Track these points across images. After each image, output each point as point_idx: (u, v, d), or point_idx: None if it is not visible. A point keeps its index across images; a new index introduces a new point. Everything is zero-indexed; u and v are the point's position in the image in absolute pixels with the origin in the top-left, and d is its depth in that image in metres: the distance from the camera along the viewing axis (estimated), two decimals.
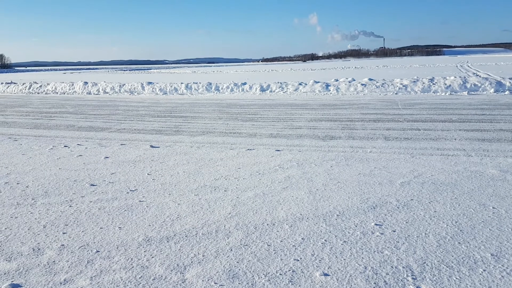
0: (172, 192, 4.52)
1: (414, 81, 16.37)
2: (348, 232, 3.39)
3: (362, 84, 16.94)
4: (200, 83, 19.78)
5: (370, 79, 17.69)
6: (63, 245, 3.26)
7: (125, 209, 4.03)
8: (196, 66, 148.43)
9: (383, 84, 16.74)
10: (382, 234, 3.34)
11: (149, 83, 20.64)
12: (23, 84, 23.44)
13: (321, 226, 3.53)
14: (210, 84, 19.33)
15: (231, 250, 3.12)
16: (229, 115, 10.84)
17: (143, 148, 6.88)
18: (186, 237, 3.37)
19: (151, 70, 79.38)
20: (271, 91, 17.68)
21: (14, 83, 24.62)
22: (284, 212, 3.85)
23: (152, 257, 3.04)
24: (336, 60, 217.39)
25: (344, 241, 3.23)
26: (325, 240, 3.25)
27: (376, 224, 3.53)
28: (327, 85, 17.31)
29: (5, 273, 2.83)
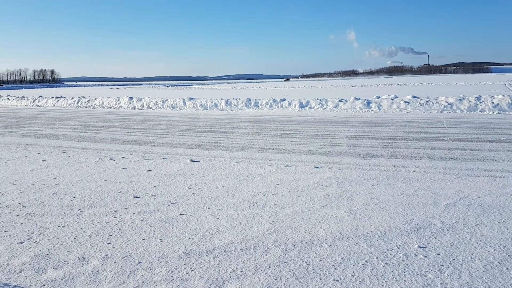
0: (211, 207, 4.58)
1: (460, 99, 15.81)
2: (390, 254, 3.29)
3: (405, 102, 16.55)
4: (239, 99, 20.06)
5: (414, 97, 17.27)
6: (107, 255, 3.37)
7: (166, 222, 4.11)
8: (236, 82, 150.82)
9: (427, 101, 16.28)
10: (426, 257, 3.22)
11: (191, 98, 21.16)
12: (72, 98, 24.68)
13: (362, 246, 3.44)
14: (250, 100, 19.56)
15: (270, 267, 3.11)
16: (268, 131, 10.89)
17: (184, 162, 7.03)
18: (225, 251, 3.39)
19: (193, 86, 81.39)
20: (310, 108, 17.63)
21: (64, 97, 25.97)
22: (323, 231, 3.79)
23: (192, 270, 3.07)
24: (378, 77, 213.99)
25: (386, 263, 3.13)
26: (366, 261, 3.16)
27: (420, 247, 3.40)
28: (369, 102, 17.05)
29: (52, 281, 2.96)
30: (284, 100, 18.85)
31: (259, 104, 18.93)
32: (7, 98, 27.95)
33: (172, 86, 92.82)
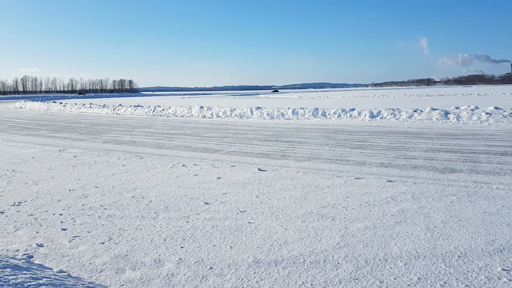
0: (279, 216, 4.57)
1: None
2: (471, 276, 3.05)
3: (487, 113, 15.39)
4: (306, 108, 19.96)
5: (496, 108, 16.02)
6: (180, 258, 3.49)
7: (235, 229, 4.18)
8: (302, 91, 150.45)
9: (511, 113, 15.01)
10: (511, 280, 2.94)
11: (258, 108, 21.47)
12: (148, 107, 26.17)
13: (440, 266, 3.23)
14: (317, 109, 19.38)
15: (340, 282, 3.02)
16: (336, 142, 10.69)
17: (252, 171, 7.11)
18: (294, 263, 3.36)
19: (259, 96, 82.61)
20: (381, 118, 17.05)
21: (141, 106, 27.61)
22: (398, 248, 3.61)
23: (261, 279, 3.08)
24: (455, 86, 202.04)
25: (466, 285, 2.91)
26: (444, 282, 2.96)
27: (504, 269, 3.12)
28: (446, 113, 16.11)
29: (130, 281, 3.12)
30: (353, 109, 18.44)
31: (326, 114, 18.69)
32: (90, 106, 30.34)
33: (239, 95, 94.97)
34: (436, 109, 16.76)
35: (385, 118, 16.98)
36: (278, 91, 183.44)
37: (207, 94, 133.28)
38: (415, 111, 17.03)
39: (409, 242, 3.76)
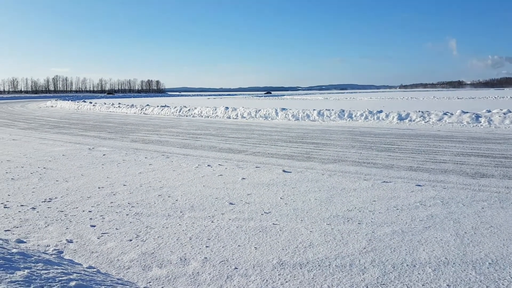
0: (304, 219, 4.54)
1: None
2: (502, 284, 2.96)
3: None
4: (332, 110, 19.77)
5: None
6: (206, 258, 3.52)
7: (260, 230, 4.17)
8: (328, 93, 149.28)
9: None
10: None
11: (283, 109, 21.42)
12: (175, 107, 26.52)
13: (470, 273, 3.14)
14: (343, 111, 19.18)
15: (367, 287, 2.97)
16: (363, 144, 10.54)
17: (276, 172, 7.10)
18: (319, 266, 3.32)
19: (284, 97, 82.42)
20: (410, 120, 16.70)
21: (168, 106, 28.01)
22: (427, 254, 3.53)
23: (286, 281, 3.07)
24: (487, 89, 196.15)
25: None
26: None
27: None
28: (477, 116, 15.64)
29: (156, 279, 3.16)
30: (381, 111, 18.14)
31: (353, 116, 18.47)
32: (118, 106, 31.01)
33: (264, 96, 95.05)
34: (467, 112, 16.30)
35: (414, 120, 16.63)
36: (271, 93, 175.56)
37: (232, 95, 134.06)
38: (445, 114, 16.61)
39: (438, 248, 3.66)
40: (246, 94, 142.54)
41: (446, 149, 9.43)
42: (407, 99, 47.17)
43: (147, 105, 30.12)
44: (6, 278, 2.29)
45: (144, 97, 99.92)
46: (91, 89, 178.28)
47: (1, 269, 2.40)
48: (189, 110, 25.13)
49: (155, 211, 4.88)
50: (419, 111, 17.41)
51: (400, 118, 17.04)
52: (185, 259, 3.49)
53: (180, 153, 9.55)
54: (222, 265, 3.36)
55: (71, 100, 45.23)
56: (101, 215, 4.73)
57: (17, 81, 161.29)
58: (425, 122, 16.21)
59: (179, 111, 25.27)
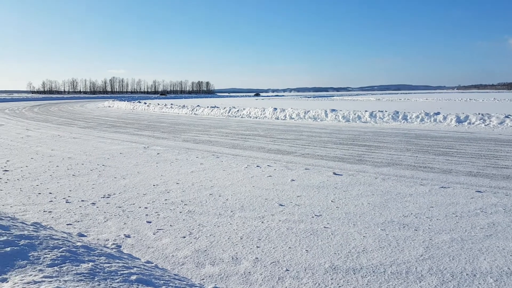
0: (356, 223, 4.44)
1: None
2: None
3: None
4: (385, 111, 19.20)
5: None
6: (257, 258, 3.54)
7: (311, 233, 4.13)
8: (380, 94, 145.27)
9: None
10: None
11: (333, 110, 21.10)
12: (224, 108, 26.94)
13: None
14: (397, 112, 18.56)
15: None
16: (419, 147, 10.14)
17: (326, 175, 7.00)
18: (374, 272, 3.23)
19: (334, 98, 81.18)
20: (469, 123, 15.86)
21: (217, 107, 28.51)
22: (488, 263, 3.33)
23: (340, 286, 3.01)
24: None
25: None
26: None
27: None
28: None
29: (209, 276, 3.22)
30: (438, 113, 17.38)
31: (408, 118, 17.83)
32: (171, 107, 31.99)
33: (313, 97, 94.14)
34: None
35: (473, 123, 15.78)
36: (259, 94, 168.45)
37: (280, 96, 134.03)
38: (507, 116, 15.61)
39: (500, 257, 3.44)
40: (305, 95, 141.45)
41: (508, 154, 8.85)
42: (465, 101, 44.85)
43: (198, 106, 30.82)
44: (72, 270, 2.43)
45: (194, 97, 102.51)
46: (145, 90, 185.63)
47: (68, 261, 2.55)
48: (237, 111, 25.42)
49: (206, 210, 4.98)
50: (479, 114, 16.49)
51: (459, 121, 16.22)
52: (237, 258, 3.53)
53: (229, 153, 9.67)
54: (273, 266, 3.36)
55: (127, 101, 47.20)
56: (156, 212, 4.90)
57: (76, 82, 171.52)
58: (485, 125, 15.32)
59: (228, 112, 25.63)
